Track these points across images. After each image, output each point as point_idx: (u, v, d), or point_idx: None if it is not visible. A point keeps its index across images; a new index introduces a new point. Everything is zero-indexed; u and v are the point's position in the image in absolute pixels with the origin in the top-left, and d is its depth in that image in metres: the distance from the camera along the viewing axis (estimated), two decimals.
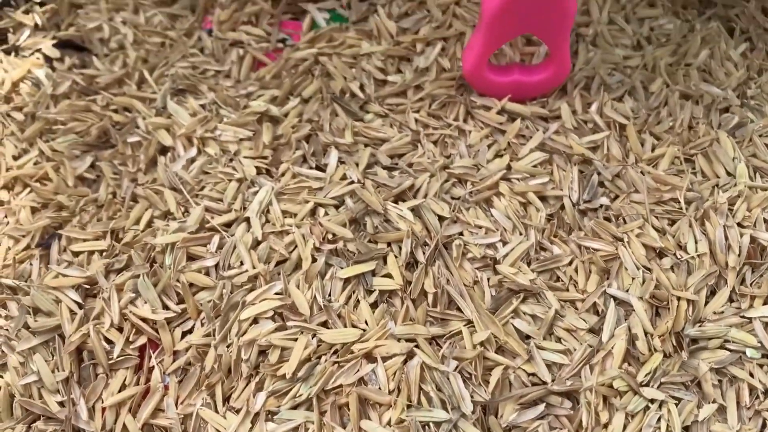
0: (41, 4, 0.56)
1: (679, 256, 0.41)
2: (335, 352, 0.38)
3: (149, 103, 0.48)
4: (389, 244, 0.41)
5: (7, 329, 0.39)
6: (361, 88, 0.49)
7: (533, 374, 0.37)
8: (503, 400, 0.37)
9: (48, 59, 0.53)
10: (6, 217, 0.44)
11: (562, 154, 0.45)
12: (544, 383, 0.37)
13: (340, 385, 0.36)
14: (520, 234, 0.42)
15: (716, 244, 0.40)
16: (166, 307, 0.39)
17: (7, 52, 0.54)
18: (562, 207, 0.43)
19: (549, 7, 0.42)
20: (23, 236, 0.43)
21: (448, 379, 0.36)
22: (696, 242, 0.41)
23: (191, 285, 0.40)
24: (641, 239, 0.41)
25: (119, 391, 0.38)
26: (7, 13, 0.56)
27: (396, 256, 0.41)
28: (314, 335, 0.38)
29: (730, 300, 0.40)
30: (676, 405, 0.36)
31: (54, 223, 0.43)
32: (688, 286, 0.39)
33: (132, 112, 0.48)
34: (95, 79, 0.50)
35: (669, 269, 0.40)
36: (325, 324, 0.39)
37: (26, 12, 0.56)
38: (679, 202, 0.43)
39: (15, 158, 0.47)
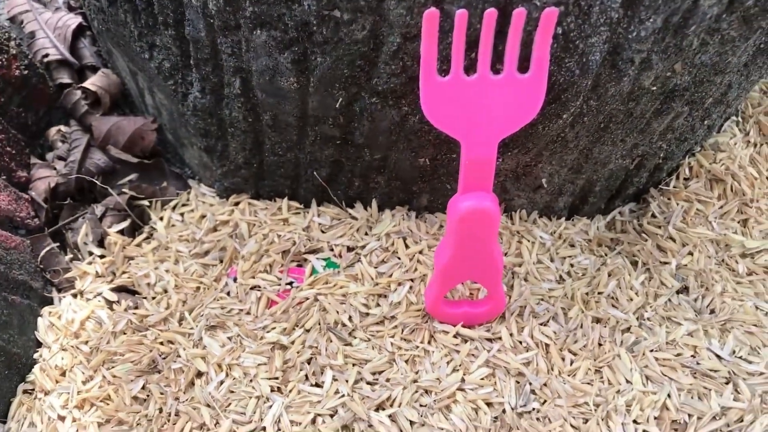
0: (101, 257, 0.73)
1: None
2: None
3: (188, 336, 0.63)
4: None
5: None
6: (350, 319, 0.64)
7: None
8: None
9: (108, 302, 0.68)
10: (78, 431, 0.57)
11: (503, 368, 0.60)
12: None
13: None
14: None
15: None
16: None
17: (74, 296, 0.70)
18: (504, 411, 0.57)
19: (483, 262, 0.58)
20: None
21: None
22: None
23: None
24: None
25: None
26: (75, 264, 0.72)
27: None
28: None
29: None
30: None
31: None
32: None
33: (175, 344, 0.63)
34: (146, 318, 0.65)
35: None
36: None
37: (89, 263, 0.72)
38: (589, 404, 0.57)
39: (83, 383, 0.61)
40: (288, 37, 0.53)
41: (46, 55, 0.79)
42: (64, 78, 0.79)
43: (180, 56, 0.62)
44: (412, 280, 0.66)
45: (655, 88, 0.58)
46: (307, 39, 0.53)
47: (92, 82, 0.78)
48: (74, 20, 0.81)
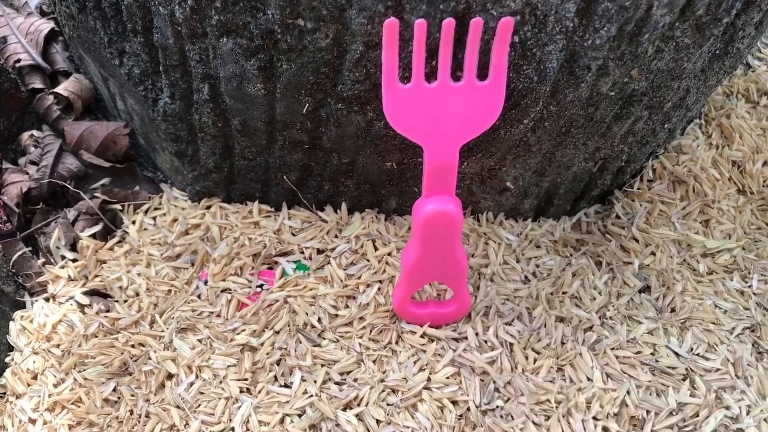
0: (74, 261, 0.73)
1: None
2: None
3: (159, 339, 0.64)
4: None
5: None
6: (319, 320, 0.65)
7: None
8: None
9: (80, 305, 0.69)
10: None
11: (468, 367, 0.61)
12: None
13: None
14: (437, 431, 0.57)
15: None
16: None
17: (47, 300, 0.70)
18: (468, 409, 0.59)
19: (448, 263, 0.59)
20: None
21: None
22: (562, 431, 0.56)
23: None
24: (524, 429, 0.56)
25: None
26: (47, 269, 0.72)
27: None
28: None
29: None
30: None
31: None
32: None
33: (146, 347, 0.64)
34: (117, 321, 0.66)
35: None
36: None
37: (62, 267, 0.73)
38: (551, 402, 0.58)
39: (55, 386, 0.62)
40: (254, 45, 0.55)
41: (18, 60, 0.80)
42: (37, 83, 0.80)
43: (149, 63, 0.63)
44: (380, 281, 0.67)
45: (613, 93, 0.59)
46: (272, 47, 0.54)
47: (64, 87, 0.78)
48: (46, 26, 0.82)
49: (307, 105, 0.59)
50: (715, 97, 0.88)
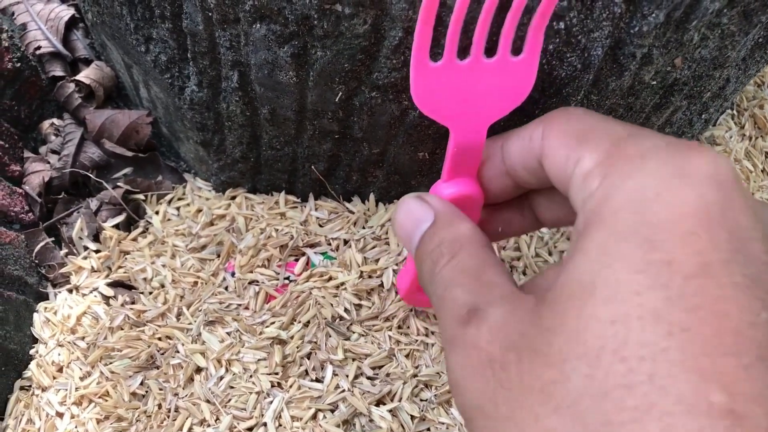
0: (97, 252, 0.72)
1: None
2: None
3: (187, 332, 0.63)
4: None
5: None
6: (346, 311, 0.64)
7: None
8: None
9: (104, 297, 0.68)
10: (77, 427, 0.57)
11: None
12: None
13: None
14: None
15: None
16: None
17: (70, 291, 0.69)
18: None
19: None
20: None
21: None
22: None
23: None
24: None
25: None
26: (70, 259, 0.71)
27: None
28: None
29: None
30: None
31: (116, 431, 0.56)
32: None
33: (173, 340, 0.62)
34: (143, 313, 0.65)
35: None
36: None
37: (85, 258, 0.72)
38: None
39: (81, 379, 0.60)
40: (288, 31, 0.53)
41: (39, 48, 0.78)
42: (57, 71, 0.78)
43: (177, 49, 0.61)
44: (397, 264, 0.66)
45: (655, 82, 0.58)
46: (307, 33, 0.53)
47: (86, 75, 0.77)
48: (67, 12, 0.80)
49: (340, 93, 0.57)
50: (747, 87, 0.86)
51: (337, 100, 0.58)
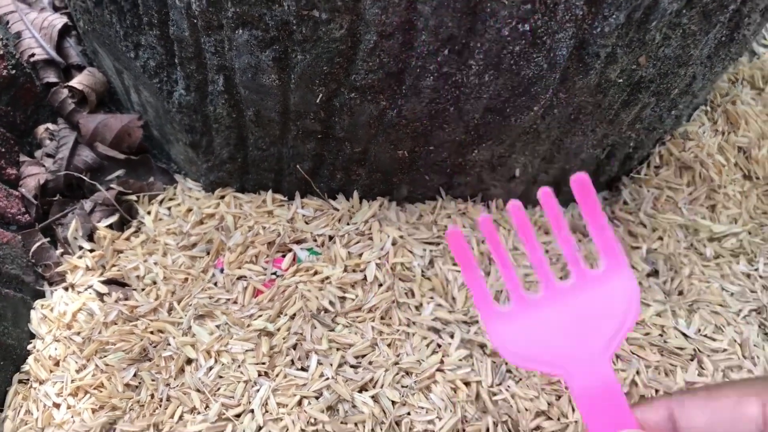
0: (91, 251, 0.75)
1: (562, 422, 0.57)
2: None
3: (178, 325, 0.65)
4: (356, 424, 0.57)
5: None
6: (331, 303, 0.67)
7: None
8: None
9: (98, 294, 0.70)
10: (73, 417, 0.60)
11: (479, 348, 0.62)
12: None
13: None
14: (451, 411, 0.58)
15: None
16: None
17: (66, 289, 0.72)
18: (480, 389, 0.60)
19: None
20: (87, 431, 0.58)
21: None
22: (573, 410, 0.57)
23: None
24: (535, 409, 0.57)
25: None
26: (66, 259, 0.74)
27: None
28: None
29: None
30: None
31: (110, 420, 0.59)
32: None
33: (164, 333, 0.65)
34: (136, 308, 0.67)
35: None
36: None
37: (80, 257, 0.74)
38: (562, 382, 0.60)
39: (77, 372, 0.63)
40: (269, 36, 0.56)
41: (33, 55, 0.81)
42: (51, 77, 0.81)
43: (165, 55, 0.64)
44: (379, 258, 0.68)
45: (621, 80, 0.60)
46: (287, 38, 0.56)
47: (79, 81, 0.79)
48: (60, 20, 0.83)
49: (320, 95, 0.60)
50: (720, 84, 0.89)
51: (318, 101, 0.61)
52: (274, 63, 0.58)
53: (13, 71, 0.78)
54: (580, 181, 0.35)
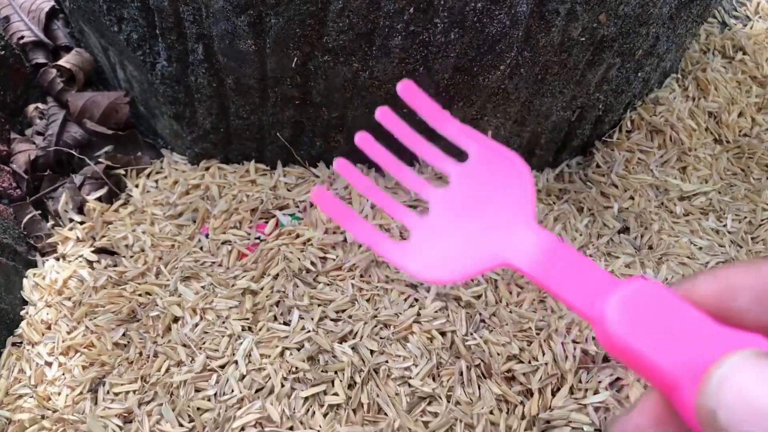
0: (81, 223, 0.77)
1: (532, 365, 0.59)
2: None
3: (165, 287, 0.68)
4: (336, 372, 0.60)
5: None
6: (312, 264, 0.69)
7: None
8: None
9: (89, 262, 0.73)
10: (64, 374, 0.62)
11: (454, 301, 0.65)
12: None
13: None
14: (426, 358, 0.61)
15: (557, 354, 0.59)
16: (181, 425, 0.56)
17: (57, 259, 0.74)
18: (455, 338, 0.62)
19: None
20: (78, 385, 0.60)
21: None
22: (543, 354, 0.60)
23: (198, 408, 0.57)
24: (507, 353, 0.60)
25: None
26: (57, 230, 0.76)
27: (341, 380, 0.59)
28: None
29: (570, 392, 0.58)
30: None
31: (99, 375, 0.61)
32: (539, 384, 0.58)
33: (152, 295, 0.68)
34: (124, 273, 0.70)
35: (525, 374, 0.59)
36: (291, 428, 0.56)
37: (70, 229, 0.77)
38: (532, 329, 0.62)
39: (68, 333, 0.65)
40: (243, 1, 0.58)
41: (22, 37, 0.84)
42: (40, 58, 0.84)
43: (146, 27, 0.67)
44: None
45: (584, 38, 0.63)
46: (260, 2, 0.58)
47: (67, 61, 0.82)
48: (47, 3, 0.85)
49: (295, 59, 0.63)
50: (691, 53, 0.91)
51: (293, 65, 0.63)
52: (250, 28, 0.60)
53: (3, 53, 0.80)
54: (405, 87, 0.30)
